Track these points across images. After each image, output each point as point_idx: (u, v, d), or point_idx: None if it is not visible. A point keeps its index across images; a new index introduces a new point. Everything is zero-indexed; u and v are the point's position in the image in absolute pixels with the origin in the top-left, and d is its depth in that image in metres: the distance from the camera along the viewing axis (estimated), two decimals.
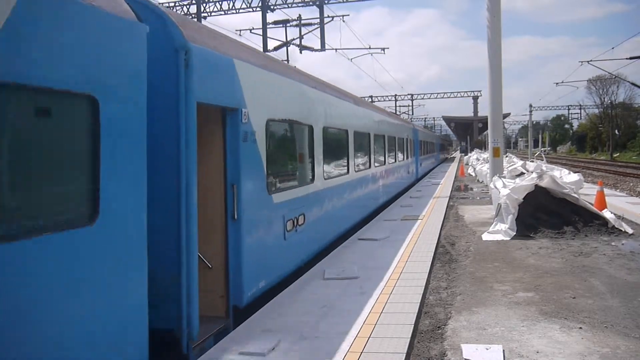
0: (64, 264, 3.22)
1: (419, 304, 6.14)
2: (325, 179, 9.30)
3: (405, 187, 21.63)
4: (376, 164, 14.47)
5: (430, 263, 8.21)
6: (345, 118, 11.12)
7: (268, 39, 23.71)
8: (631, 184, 25.76)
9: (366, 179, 13.11)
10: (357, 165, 12.11)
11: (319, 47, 24.51)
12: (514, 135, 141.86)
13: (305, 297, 6.51)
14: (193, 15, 24.51)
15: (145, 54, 4.03)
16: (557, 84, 46.50)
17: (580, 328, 5.48)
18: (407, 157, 22.68)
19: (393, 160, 18.12)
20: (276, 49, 23.78)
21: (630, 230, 10.72)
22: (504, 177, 14.25)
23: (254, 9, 25.16)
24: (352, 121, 11.65)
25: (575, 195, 11.49)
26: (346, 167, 11.14)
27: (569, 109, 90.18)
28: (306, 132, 8.55)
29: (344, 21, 23.96)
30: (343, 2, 24.75)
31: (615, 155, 64.61)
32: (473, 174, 32.22)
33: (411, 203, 16.43)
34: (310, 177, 8.70)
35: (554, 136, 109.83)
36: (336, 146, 10.74)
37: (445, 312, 6.22)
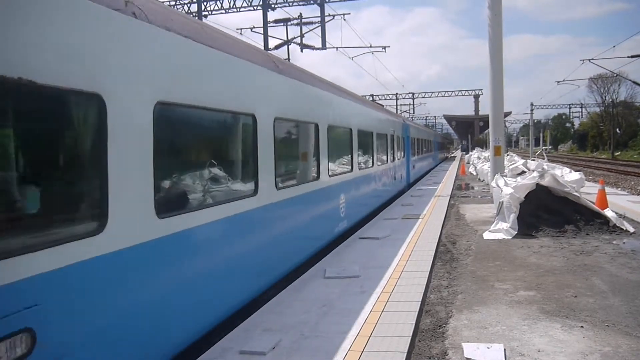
0: None
1: (420, 302, 6.12)
2: (178, 211, 4.67)
3: (390, 197, 17.16)
4: (336, 170, 10.30)
5: (431, 262, 8.19)
6: (263, 98, 6.63)
7: (269, 38, 23.71)
8: (632, 183, 25.69)
9: (312, 197, 8.54)
10: (288, 178, 7.83)
11: (320, 46, 24.50)
12: (515, 134, 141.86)
13: (305, 296, 6.50)
14: (194, 14, 24.50)
15: None
16: (558, 82, 46.54)
17: (582, 327, 5.47)
18: (394, 159, 17.97)
19: (369, 164, 13.62)
20: (277, 47, 23.76)
21: (631, 229, 10.70)
22: (505, 176, 14.24)
23: (255, 7, 25.19)
24: (281, 104, 7.30)
25: (577, 194, 11.47)
26: (258, 182, 6.33)
27: (570, 108, 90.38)
28: (122, 113, 3.91)
29: (344, 20, 23.96)
30: (344, 0, 24.74)
31: (616, 153, 64.49)
32: (474, 173, 32.21)
33: (412, 202, 16.41)
34: (135, 208, 4.05)
35: (555, 135, 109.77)
36: (230, 146, 6.25)
37: (446, 310, 6.21)
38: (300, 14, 24.19)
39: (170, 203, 4.60)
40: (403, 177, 20.73)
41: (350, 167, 11.39)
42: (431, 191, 19.85)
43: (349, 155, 11.46)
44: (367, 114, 13.81)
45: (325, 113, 9.56)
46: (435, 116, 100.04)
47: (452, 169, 37.34)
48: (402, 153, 20.63)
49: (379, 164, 15.04)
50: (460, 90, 70.41)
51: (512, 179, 13.26)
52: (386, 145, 16.49)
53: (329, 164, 9.61)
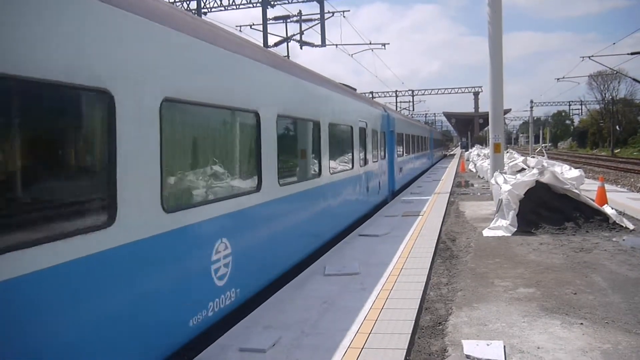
0: None
1: (419, 299, 6.13)
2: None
3: (357, 218, 12.05)
4: (208, 195, 5.45)
5: (430, 259, 8.20)
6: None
7: (268, 35, 23.66)
8: (632, 180, 25.71)
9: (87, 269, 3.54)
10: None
11: (320, 43, 24.45)
12: (514, 131, 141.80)
13: (305, 293, 6.51)
14: (193, 11, 24.44)
15: None
16: (558, 79, 46.48)
17: (582, 324, 5.47)
18: (365, 162, 13.00)
19: (310, 174, 8.93)
20: (276, 44, 23.72)
21: (631, 226, 10.70)
22: (505, 173, 14.24)
23: (254, 4, 25.10)
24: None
25: (576, 191, 11.47)
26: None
27: (569, 105, 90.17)
28: None
29: (344, 17, 23.90)
30: None
31: (616, 151, 64.51)
32: (474, 170, 32.23)
33: (412, 199, 16.42)
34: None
35: (555, 132, 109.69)
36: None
37: (446, 308, 6.22)
38: (300, 11, 24.16)
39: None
40: (383, 184, 15.96)
41: (254, 184, 6.32)
42: (431, 188, 19.86)
43: (253, 164, 6.41)
44: (304, 91, 8.60)
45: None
46: (435, 113, 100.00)
47: (452, 166, 37.35)
48: (383, 153, 16.20)
49: (335, 170, 10.19)
50: (460, 88, 70.44)
51: (511, 176, 13.26)
52: (352, 142, 11.66)
53: (183, 184, 5.11)
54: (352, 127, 11.72)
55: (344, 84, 13.27)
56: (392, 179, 17.85)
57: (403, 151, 21.36)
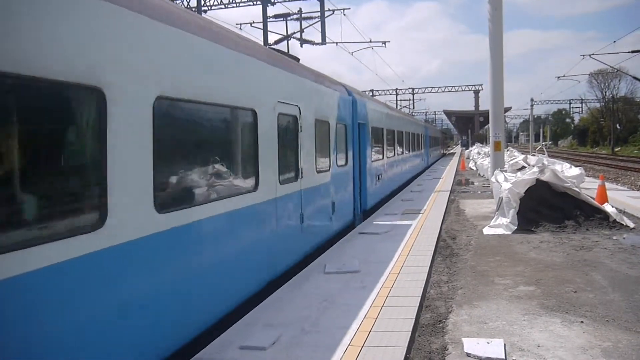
0: None
1: (420, 297, 6.13)
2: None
3: (285, 270, 7.44)
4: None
5: (431, 257, 8.20)
6: None
7: (269, 33, 23.62)
8: (632, 178, 25.70)
9: None
10: None
11: (320, 41, 24.42)
12: (515, 130, 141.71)
13: (306, 291, 6.51)
14: (194, 9, 24.40)
15: None
16: (558, 77, 46.36)
17: (582, 322, 5.47)
18: (298, 174, 8.17)
19: (134, 213, 4.05)
20: (277, 42, 23.68)
21: (631, 224, 10.70)
22: (505, 171, 14.24)
23: (255, 2, 25.05)
24: None
25: (577, 189, 11.47)
26: None
27: (570, 103, 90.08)
28: None
29: (344, 15, 23.89)
30: None
31: (616, 149, 64.46)
32: (474, 168, 32.22)
33: (412, 197, 16.42)
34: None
35: (555, 130, 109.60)
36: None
37: (446, 306, 6.22)
38: (300, 8, 24.11)
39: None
40: (343, 204, 11.08)
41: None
42: (431, 186, 19.86)
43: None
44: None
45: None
46: (435, 111, 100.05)
47: (452, 164, 37.35)
48: (345, 156, 11.36)
49: (200, 199, 5.16)
50: (461, 86, 70.51)
51: (512, 174, 13.25)
52: (254, 142, 6.53)
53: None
54: (254, 113, 6.49)
55: (274, 49, 9.65)
56: (364, 193, 13.07)
57: (383, 153, 16.17)
